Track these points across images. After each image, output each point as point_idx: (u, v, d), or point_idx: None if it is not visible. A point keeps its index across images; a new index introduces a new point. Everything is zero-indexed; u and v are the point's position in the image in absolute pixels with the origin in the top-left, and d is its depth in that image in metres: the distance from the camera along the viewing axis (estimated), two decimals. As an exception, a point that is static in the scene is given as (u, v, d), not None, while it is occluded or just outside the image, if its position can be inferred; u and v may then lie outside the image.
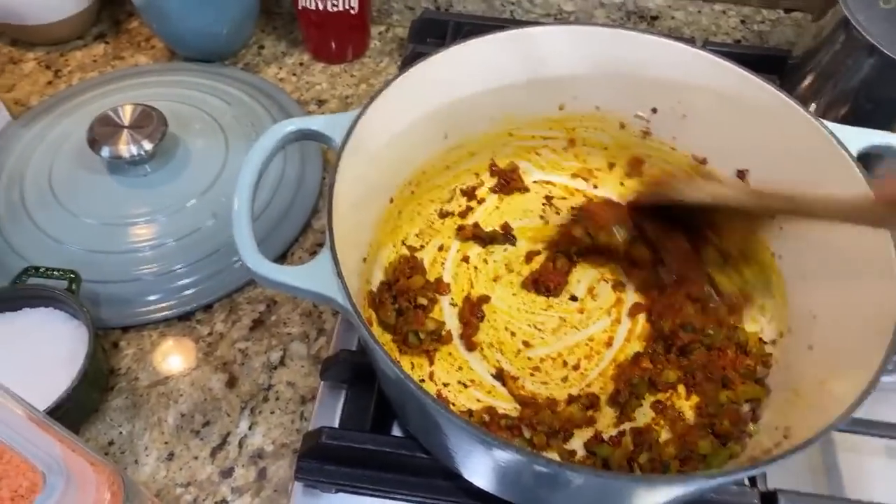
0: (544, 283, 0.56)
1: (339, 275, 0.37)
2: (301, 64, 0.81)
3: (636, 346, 0.54)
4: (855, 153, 0.47)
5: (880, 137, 0.48)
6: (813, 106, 0.66)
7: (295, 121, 0.44)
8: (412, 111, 0.52)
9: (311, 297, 0.38)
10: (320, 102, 0.76)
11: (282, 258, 0.63)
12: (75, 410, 0.52)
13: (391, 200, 0.56)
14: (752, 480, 0.47)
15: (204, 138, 0.69)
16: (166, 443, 0.53)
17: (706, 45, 0.77)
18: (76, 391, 0.49)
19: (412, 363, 0.53)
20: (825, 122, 0.48)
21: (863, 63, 0.60)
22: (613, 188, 0.63)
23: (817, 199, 0.44)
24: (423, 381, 0.52)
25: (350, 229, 0.44)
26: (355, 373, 0.51)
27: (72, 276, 0.55)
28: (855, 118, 0.62)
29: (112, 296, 0.59)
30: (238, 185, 0.41)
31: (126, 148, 0.62)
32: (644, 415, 0.51)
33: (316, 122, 0.44)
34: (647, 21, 0.81)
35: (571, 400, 0.51)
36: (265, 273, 0.38)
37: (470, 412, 0.50)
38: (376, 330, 0.53)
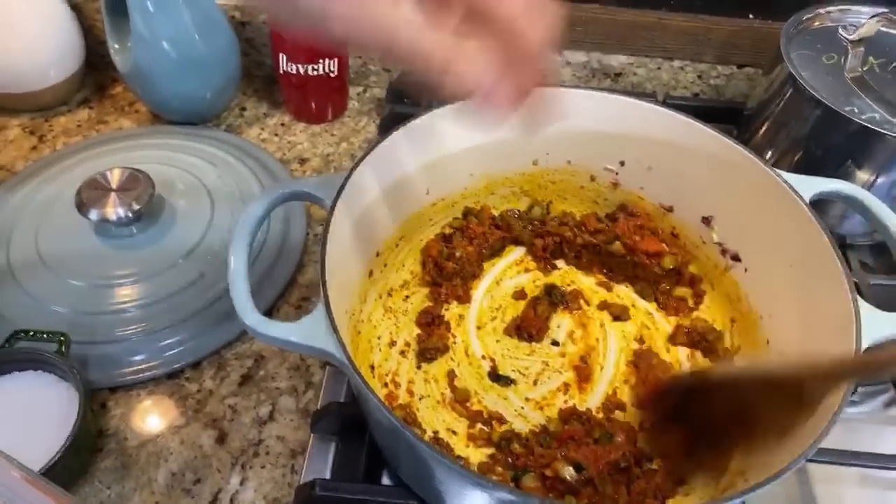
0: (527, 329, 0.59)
1: (335, 329, 0.38)
2: (282, 124, 0.83)
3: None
4: (808, 199, 0.51)
5: (831, 185, 0.52)
6: (769, 153, 0.70)
7: (289, 183, 0.47)
8: (394, 171, 0.54)
9: (307, 352, 0.40)
10: (302, 161, 0.79)
11: (268, 314, 0.65)
12: (64, 474, 0.51)
13: (377, 254, 0.58)
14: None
15: (189, 199, 0.70)
16: (157, 503, 0.53)
17: (667, 98, 0.82)
18: (66, 455, 0.49)
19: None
20: (779, 171, 0.52)
21: (809, 114, 0.64)
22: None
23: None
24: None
25: (339, 284, 0.46)
26: (345, 424, 0.52)
27: (61, 338, 0.55)
28: (807, 163, 0.67)
29: (100, 356, 0.59)
30: (233, 243, 0.43)
31: (114, 211, 0.63)
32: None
33: (308, 185, 0.47)
34: (611, 78, 0.86)
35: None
36: (262, 330, 0.40)
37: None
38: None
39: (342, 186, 0.46)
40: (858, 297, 0.45)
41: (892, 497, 0.55)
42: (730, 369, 0.49)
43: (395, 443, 0.43)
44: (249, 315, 0.40)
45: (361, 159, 0.48)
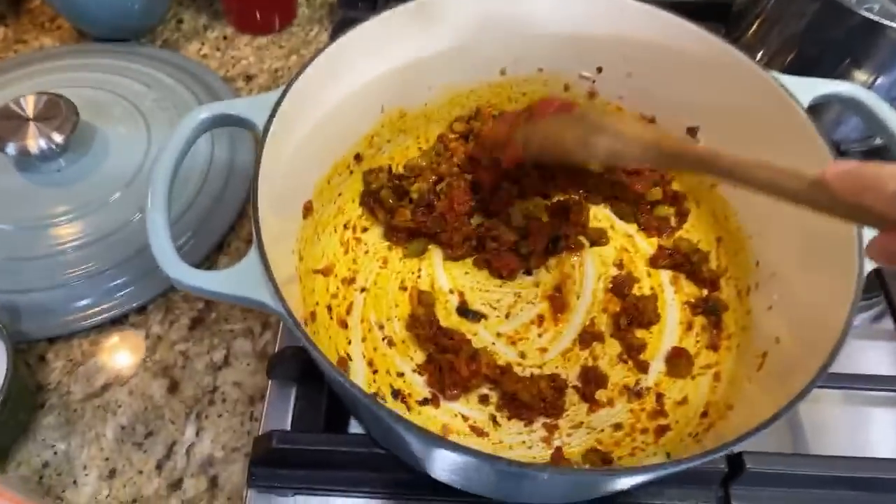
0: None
1: (270, 278, 0.34)
2: (225, 38, 0.75)
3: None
4: (805, 104, 0.45)
5: (830, 86, 0.47)
6: (759, 54, 0.64)
7: (210, 106, 0.40)
8: (342, 85, 0.48)
9: (240, 303, 0.35)
10: (248, 78, 0.72)
11: (218, 250, 0.59)
12: (2, 434, 0.48)
13: (328, 182, 0.52)
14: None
15: (123, 126, 0.63)
16: (107, 459, 0.49)
17: (648, -6, 0.74)
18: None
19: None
20: (774, 73, 0.46)
21: (806, 8, 0.58)
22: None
23: (739, 163, 0.37)
24: (376, 371, 0.50)
25: (281, 220, 0.41)
26: (304, 370, 0.49)
27: (-17, 289, 0.50)
28: (802, 64, 0.61)
29: (35, 305, 0.54)
30: (151, 182, 0.37)
31: (34, 143, 0.56)
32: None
33: (234, 107, 0.40)
34: (587, -28, 0.78)
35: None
36: (188, 281, 0.35)
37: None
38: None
39: (275, 108, 0.39)
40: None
41: (877, 414, 0.53)
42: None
43: (352, 401, 0.39)
44: (172, 266, 0.35)
45: (298, 74, 0.42)
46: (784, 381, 0.38)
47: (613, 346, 0.51)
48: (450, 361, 0.47)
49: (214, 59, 0.73)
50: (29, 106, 0.57)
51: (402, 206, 0.54)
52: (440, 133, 0.59)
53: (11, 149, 0.56)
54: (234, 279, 0.35)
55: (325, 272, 0.52)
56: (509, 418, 0.47)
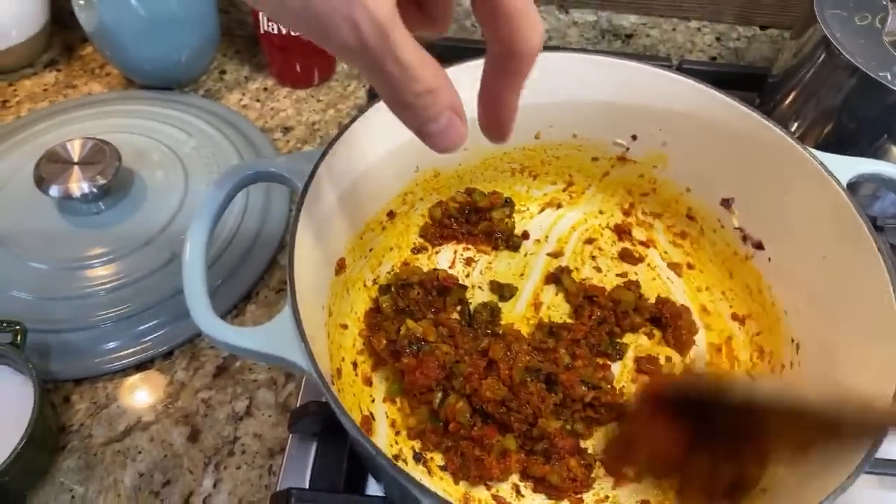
0: None
1: (303, 338, 0.33)
2: (265, 89, 0.77)
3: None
4: (845, 182, 0.45)
5: (871, 166, 0.46)
6: (794, 126, 0.64)
7: (252, 163, 0.41)
8: (379, 147, 0.49)
9: (271, 362, 0.35)
10: (286, 130, 0.73)
11: (246, 298, 0.60)
12: (22, 475, 0.48)
13: (360, 238, 0.52)
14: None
15: (162, 172, 0.65)
16: (123, 507, 0.49)
17: (682, 63, 0.75)
18: (22, 455, 0.45)
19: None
20: (813, 151, 0.46)
21: (843, 82, 0.58)
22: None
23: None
24: (398, 433, 0.49)
25: (314, 277, 0.41)
26: (326, 425, 0.48)
27: (16, 327, 0.51)
28: (838, 137, 0.61)
29: (63, 345, 0.55)
30: (190, 235, 0.38)
31: (77, 186, 0.58)
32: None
33: (275, 164, 0.41)
34: (622, 39, 0.79)
35: None
36: (220, 337, 0.35)
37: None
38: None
39: (314, 170, 0.40)
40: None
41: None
42: (755, 388, 0.42)
43: (373, 462, 0.39)
44: (204, 319, 0.35)
45: (339, 135, 0.43)
46: (823, 467, 0.37)
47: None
48: (479, 458, 0.45)
49: (254, 109, 0.75)
50: (75, 150, 0.59)
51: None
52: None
53: (55, 191, 0.58)
54: (266, 337, 0.35)
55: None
56: (535, 491, 0.46)
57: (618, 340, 0.54)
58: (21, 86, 0.76)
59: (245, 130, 0.71)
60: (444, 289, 0.53)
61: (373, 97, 0.47)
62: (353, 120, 0.45)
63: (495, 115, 0.31)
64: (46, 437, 0.50)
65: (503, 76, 0.29)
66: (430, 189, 0.57)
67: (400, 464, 0.46)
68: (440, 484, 0.47)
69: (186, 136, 0.69)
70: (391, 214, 0.55)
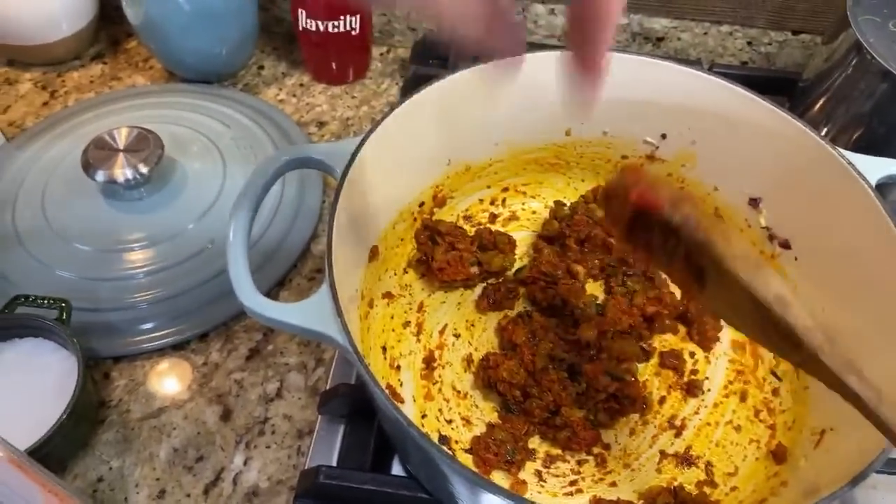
0: None
1: (339, 313, 0.35)
2: (301, 85, 0.79)
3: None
4: (874, 182, 0.45)
5: (900, 167, 0.46)
6: (825, 130, 0.64)
7: (294, 149, 0.43)
8: (414, 138, 0.50)
9: (308, 335, 0.36)
10: (320, 124, 0.75)
11: (279, 285, 0.62)
12: (63, 445, 0.50)
13: (393, 227, 0.54)
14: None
15: (201, 161, 0.67)
16: (158, 479, 0.51)
17: (713, 67, 0.76)
18: (64, 426, 0.47)
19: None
20: (842, 150, 0.47)
21: (876, 87, 0.58)
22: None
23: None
24: (425, 416, 0.50)
25: (348, 261, 0.42)
26: (354, 407, 0.50)
27: (62, 304, 0.53)
28: (868, 142, 0.61)
29: (104, 324, 0.57)
30: (233, 215, 0.40)
31: (121, 172, 0.60)
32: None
33: (317, 151, 0.43)
34: (653, 43, 0.80)
35: None
36: (261, 311, 0.36)
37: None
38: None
39: (353, 155, 0.42)
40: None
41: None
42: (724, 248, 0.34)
43: (401, 436, 0.40)
44: (248, 295, 0.37)
45: (377, 125, 0.44)
46: (842, 462, 0.38)
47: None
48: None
49: (290, 104, 0.77)
50: (121, 138, 0.61)
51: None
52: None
53: (101, 176, 0.60)
54: (304, 312, 0.36)
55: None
56: (555, 476, 0.47)
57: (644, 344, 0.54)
58: (69, 77, 0.79)
59: (281, 123, 0.73)
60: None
61: (405, 94, 0.49)
62: (387, 114, 0.47)
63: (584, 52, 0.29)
64: (87, 411, 0.52)
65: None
66: (461, 181, 0.59)
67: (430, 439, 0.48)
68: (464, 467, 0.48)
69: (225, 127, 0.71)
70: (422, 205, 0.57)
